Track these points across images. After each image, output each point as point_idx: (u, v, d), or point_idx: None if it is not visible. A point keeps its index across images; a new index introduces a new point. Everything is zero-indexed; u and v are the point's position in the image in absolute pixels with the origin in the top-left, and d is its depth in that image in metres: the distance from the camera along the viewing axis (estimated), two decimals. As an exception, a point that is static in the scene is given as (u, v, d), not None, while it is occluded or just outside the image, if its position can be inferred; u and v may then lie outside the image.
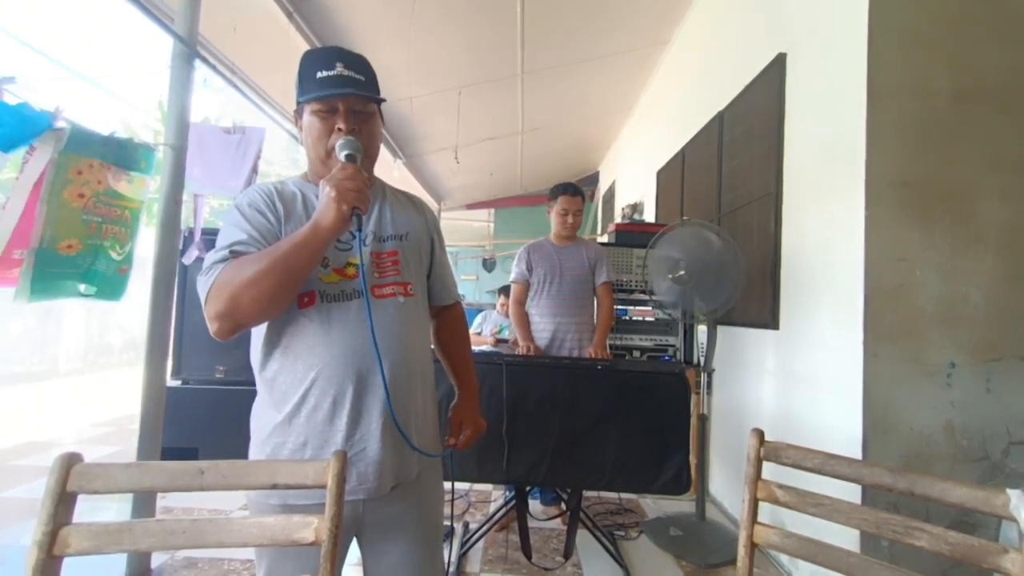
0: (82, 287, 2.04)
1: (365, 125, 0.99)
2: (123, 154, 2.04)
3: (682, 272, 2.38)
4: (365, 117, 0.99)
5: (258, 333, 0.97)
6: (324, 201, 0.86)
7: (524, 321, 2.56)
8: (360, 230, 0.89)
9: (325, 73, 0.95)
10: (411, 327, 1.02)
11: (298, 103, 1.01)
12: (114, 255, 2.09)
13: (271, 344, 0.95)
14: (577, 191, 2.58)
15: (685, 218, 2.97)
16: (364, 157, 0.97)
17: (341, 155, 0.93)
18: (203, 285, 0.86)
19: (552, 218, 2.61)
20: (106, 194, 2.01)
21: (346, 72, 0.96)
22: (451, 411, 1.22)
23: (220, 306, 0.83)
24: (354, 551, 1.02)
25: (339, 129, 0.96)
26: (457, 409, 1.22)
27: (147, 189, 2.15)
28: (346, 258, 0.98)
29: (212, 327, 0.85)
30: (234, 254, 0.88)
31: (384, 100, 1.03)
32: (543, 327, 2.53)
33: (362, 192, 0.87)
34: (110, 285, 2.12)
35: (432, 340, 1.24)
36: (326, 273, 0.96)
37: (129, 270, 2.15)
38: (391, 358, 0.95)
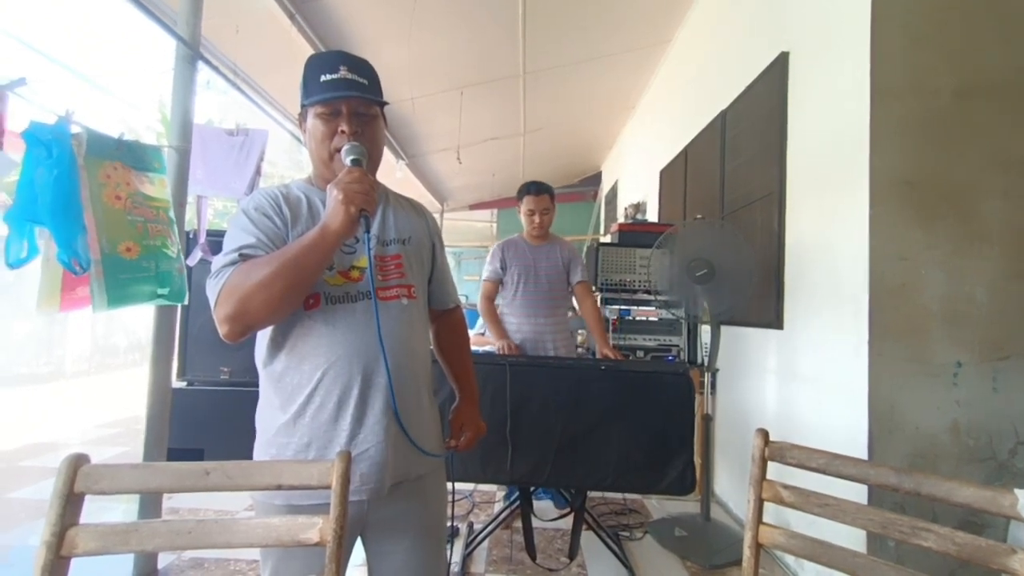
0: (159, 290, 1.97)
1: (368, 128, 1.00)
2: (136, 156, 1.99)
3: (705, 271, 2.35)
4: (368, 120, 1.00)
5: (263, 334, 0.97)
6: (332, 204, 0.86)
7: (496, 318, 2.51)
8: (368, 232, 0.91)
9: (329, 76, 0.96)
10: (413, 328, 1.03)
11: (302, 106, 1.02)
12: (171, 254, 2.04)
13: (276, 345, 0.96)
14: (542, 189, 2.48)
15: (699, 216, 2.95)
16: (368, 161, 0.97)
17: (347, 160, 0.94)
18: (213, 288, 0.87)
19: (521, 219, 2.55)
20: (137, 195, 1.96)
21: (349, 75, 0.97)
22: (452, 414, 1.22)
23: (230, 309, 0.84)
24: (359, 552, 1.02)
25: (342, 131, 0.97)
26: (458, 412, 1.22)
27: (168, 189, 2.10)
28: (350, 261, 0.99)
29: (222, 329, 0.86)
30: (243, 257, 0.89)
31: (387, 103, 1.04)
32: (519, 327, 2.49)
33: (369, 195, 0.88)
34: (177, 286, 2.06)
35: (432, 343, 1.24)
36: (331, 276, 0.96)
37: (184, 269, 2.09)
38: (395, 359, 0.96)
